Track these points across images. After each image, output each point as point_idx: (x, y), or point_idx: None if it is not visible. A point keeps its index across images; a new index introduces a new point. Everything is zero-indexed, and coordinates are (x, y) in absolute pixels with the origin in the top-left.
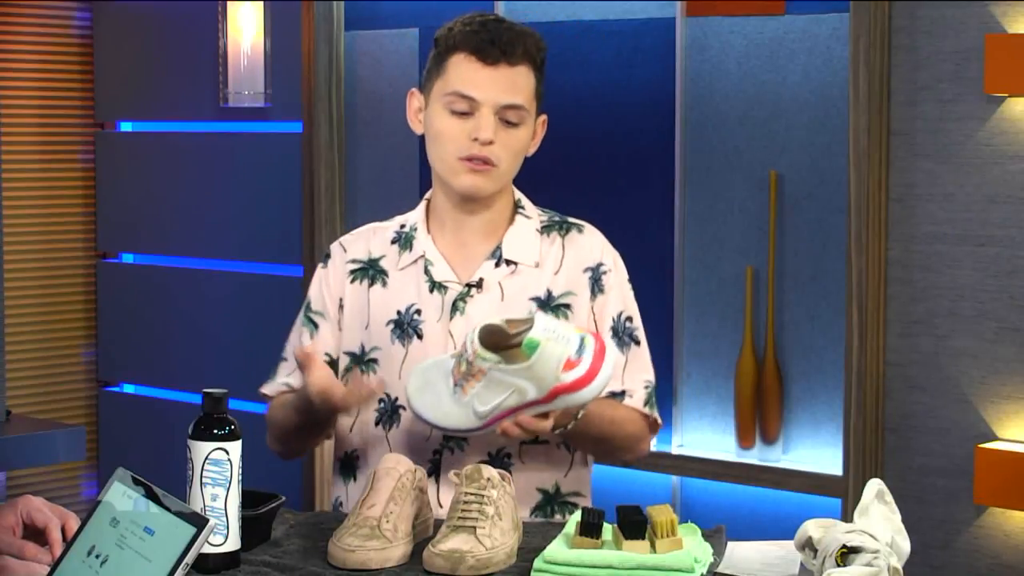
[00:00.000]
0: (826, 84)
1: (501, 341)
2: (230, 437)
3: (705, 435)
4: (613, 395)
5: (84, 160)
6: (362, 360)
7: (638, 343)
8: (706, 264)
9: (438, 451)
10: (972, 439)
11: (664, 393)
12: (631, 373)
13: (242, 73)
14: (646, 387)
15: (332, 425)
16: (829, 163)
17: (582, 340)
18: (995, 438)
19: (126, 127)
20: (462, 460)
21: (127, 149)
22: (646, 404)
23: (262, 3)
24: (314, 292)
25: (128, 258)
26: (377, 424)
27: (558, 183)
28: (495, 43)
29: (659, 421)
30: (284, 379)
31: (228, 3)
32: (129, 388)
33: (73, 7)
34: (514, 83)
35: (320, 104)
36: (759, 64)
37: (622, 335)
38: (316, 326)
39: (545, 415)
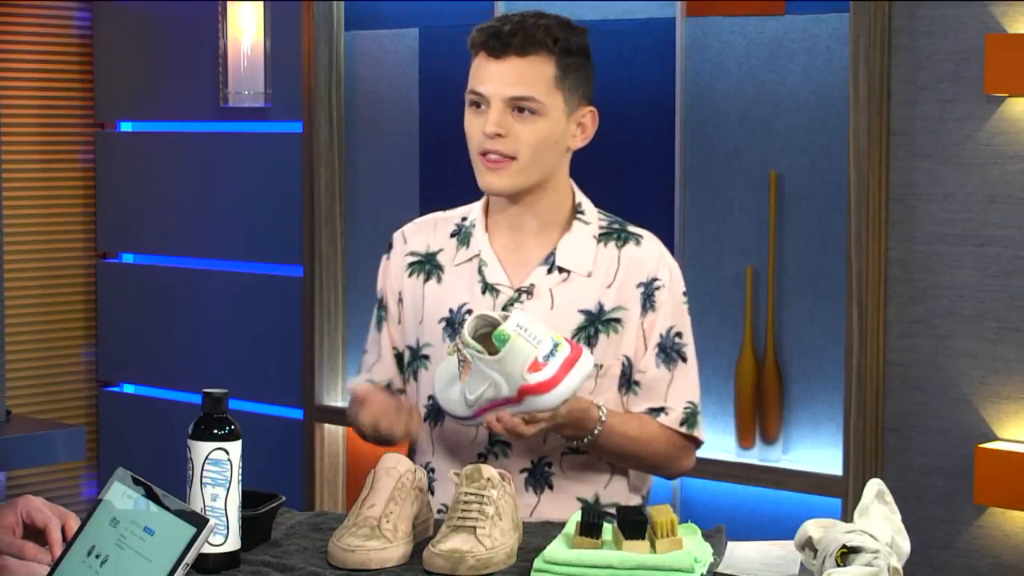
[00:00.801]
0: (826, 84)
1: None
2: (230, 437)
3: (705, 435)
4: (652, 411)
5: (84, 160)
6: (417, 355)
7: (685, 360)
8: (706, 264)
9: (483, 454)
10: (972, 439)
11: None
12: (675, 391)
13: (242, 73)
14: (687, 408)
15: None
16: (829, 163)
17: (555, 346)
18: (995, 438)
19: (126, 127)
20: (506, 465)
21: (127, 149)
22: (683, 424)
23: (262, 3)
24: (380, 285)
25: (128, 258)
26: (426, 420)
27: None
28: (499, 36)
29: (701, 439)
30: (366, 375)
31: (228, 3)
32: (129, 388)
33: (73, 7)
34: (522, 74)
35: (320, 104)
36: (759, 64)
37: (669, 351)
38: (382, 321)
39: (528, 420)
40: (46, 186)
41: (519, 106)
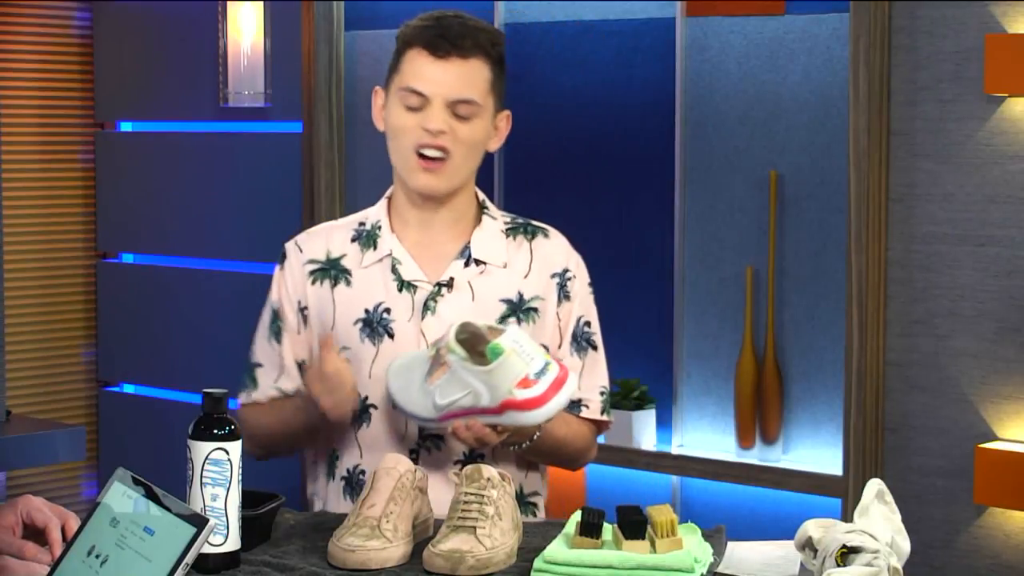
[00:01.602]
0: (826, 84)
1: (475, 344)
2: (230, 437)
3: (705, 435)
4: (570, 403)
5: (84, 160)
6: None
7: (595, 348)
8: (706, 264)
9: (415, 450)
10: (972, 439)
11: (664, 393)
12: (587, 379)
13: (242, 73)
14: (602, 393)
15: (323, 430)
16: (829, 163)
17: (546, 365)
18: (995, 438)
19: (126, 127)
20: (439, 459)
21: (127, 149)
22: (603, 412)
23: (262, 3)
24: (274, 296)
25: (128, 258)
26: (349, 424)
27: (558, 183)
28: (445, 36)
29: (611, 420)
30: (275, 385)
31: (228, 3)
32: (129, 388)
33: (73, 7)
34: (465, 76)
35: (320, 104)
36: (759, 64)
37: (580, 339)
38: (280, 333)
39: (496, 428)
40: (46, 186)
41: (457, 110)
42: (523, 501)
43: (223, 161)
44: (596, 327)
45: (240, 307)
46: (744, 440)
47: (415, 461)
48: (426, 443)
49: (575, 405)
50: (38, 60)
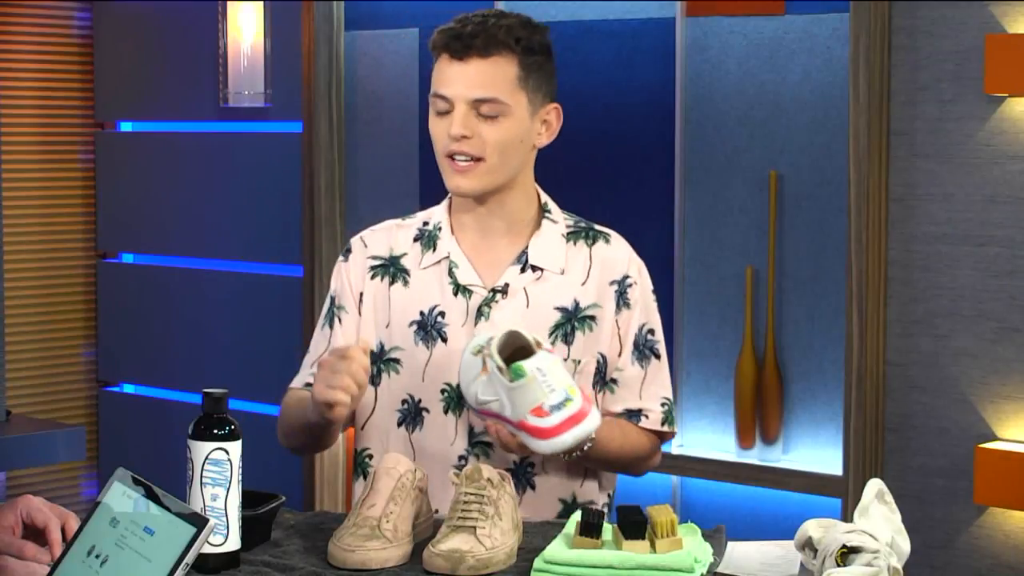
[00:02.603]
0: (826, 84)
1: (518, 353)
2: (230, 437)
3: (705, 435)
4: (629, 413)
5: (84, 160)
6: (382, 359)
7: (658, 357)
8: (706, 264)
9: (464, 456)
10: (972, 439)
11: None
12: (649, 388)
13: (242, 73)
14: (663, 405)
15: (335, 433)
16: (829, 163)
17: (565, 400)
18: (995, 438)
19: (126, 127)
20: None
21: (127, 149)
22: (664, 423)
23: (262, 3)
24: (335, 286)
25: (128, 258)
26: (400, 425)
27: (558, 183)
28: (460, 37)
29: (675, 432)
30: (312, 371)
31: (228, 3)
32: (129, 388)
33: (73, 7)
34: (485, 75)
35: (320, 104)
36: (759, 64)
37: (643, 348)
38: (340, 320)
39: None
40: (46, 186)
41: (483, 108)
42: (575, 510)
43: (223, 161)
44: (659, 335)
45: (240, 307)
46: (744, 440)
47: (462, 468)
48: (475, 450)
49: (635, 415)
50: (38, 60)
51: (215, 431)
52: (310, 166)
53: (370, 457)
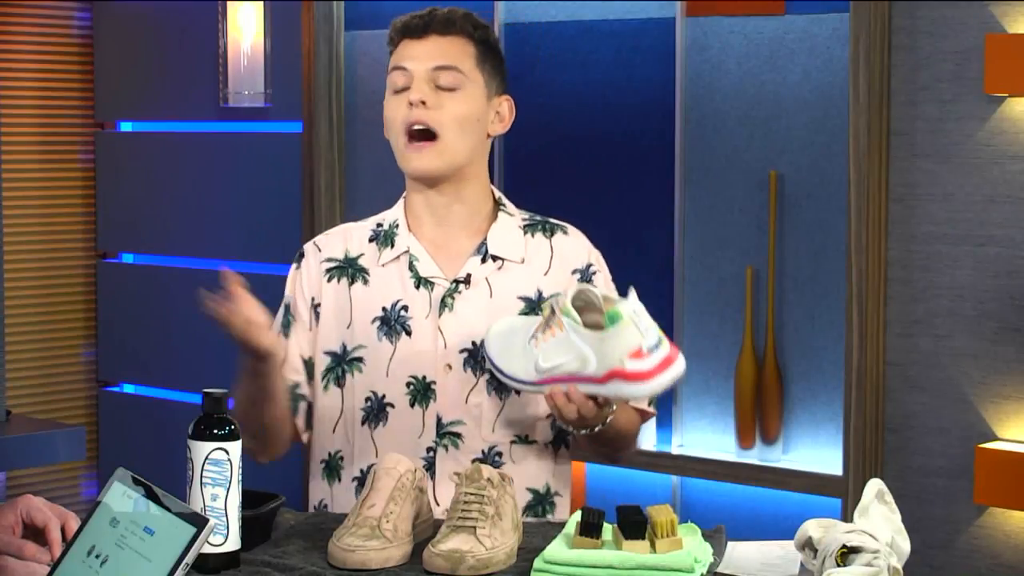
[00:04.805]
0: (826, 84)
1: (587, 311)
2: (230, 437)
3: (705, 435)
4: None
5: (84, 160)
6: (344, 359)
7: None
8: (706, 264)
9: (432, 448)
10: (972, 439)
11: (664, 393)
12: None
13: (242, 73)
14: None
15: (275, 387)
16: (829, 163)
17: (659, 340)
18: (995, 438)
19: (126, 127)
20: (456, 457)
21: (127, 149)
22: (650, 403)
23: (262, 3)
24: (288, 292)
25: (128, 258)
26: (363, 423)
27: (558, 183)
28: (419, 18)
29: (655, 412)
30: None
31: (228, 3)
32: (129, 388)
33: (73, 7)
34: (444, 47)
35: (320, 104)
36: (759, 64)
37: None
38: (288, 327)
39: (596, 401)
40: (46, 186)
41: (443, 78)
42: (549, 501)
43: (223, 161)
44: None
45: None
46: (744, 440)
47: (432, 459)
48: (443, 441)
49: None
50: (38, 60)
51: (215, 431)
52: (310, 166)
53: (342, 459)
